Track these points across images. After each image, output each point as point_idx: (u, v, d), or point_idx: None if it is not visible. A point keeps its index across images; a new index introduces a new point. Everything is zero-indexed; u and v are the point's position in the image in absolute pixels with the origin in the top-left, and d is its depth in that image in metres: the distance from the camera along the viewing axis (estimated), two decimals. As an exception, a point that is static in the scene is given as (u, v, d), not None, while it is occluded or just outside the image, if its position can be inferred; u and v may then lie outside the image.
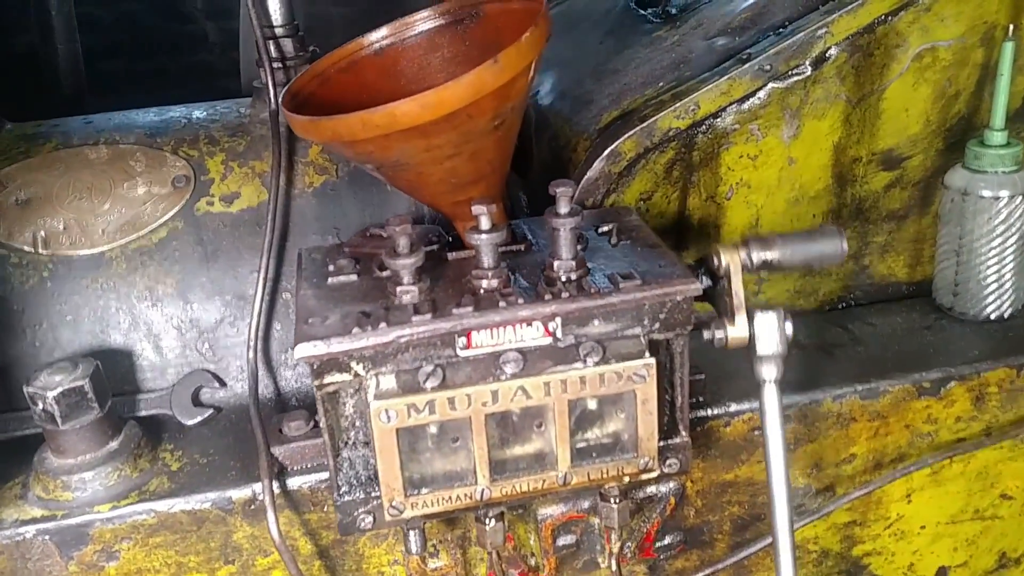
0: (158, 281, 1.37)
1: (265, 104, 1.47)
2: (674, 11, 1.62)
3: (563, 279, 1.03)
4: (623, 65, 1.51)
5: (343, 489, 1.09)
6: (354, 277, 1.12)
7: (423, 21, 1.17)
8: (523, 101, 1.05)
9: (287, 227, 1.40)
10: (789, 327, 1.08)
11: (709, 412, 1.31)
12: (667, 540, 1.37)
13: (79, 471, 1.21)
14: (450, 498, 1.06)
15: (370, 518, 1.10)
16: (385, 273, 1.11)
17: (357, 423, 1.08)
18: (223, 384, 1.37)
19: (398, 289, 1.04)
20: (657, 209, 1.38)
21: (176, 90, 1.62)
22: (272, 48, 1.46)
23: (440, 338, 1.01)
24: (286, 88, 1.13)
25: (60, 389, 1.18)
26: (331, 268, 1.14)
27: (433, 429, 1.03)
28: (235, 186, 1.42)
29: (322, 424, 1.06)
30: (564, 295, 1.01)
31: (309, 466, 1.23)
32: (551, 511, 1.30)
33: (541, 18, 0.99)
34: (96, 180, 1.41)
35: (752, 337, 1.07)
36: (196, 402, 1.35)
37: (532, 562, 1.34)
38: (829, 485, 1.42)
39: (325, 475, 1.23)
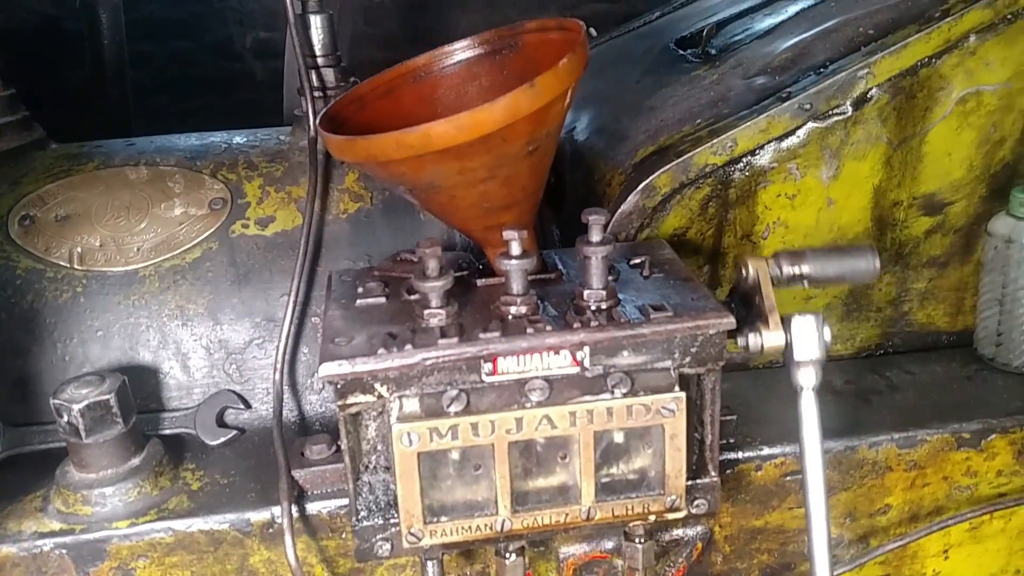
0: (189, 300, 1.38)
1: (305, 132, 1.49)
2: (713, 51, 1.62)
3: (593, 308, 1.02)
4: (660, 102, 1.51)
5: (362, 514, 1.07)
6: (382, 299, 1.12)
7: (462, 50, 1.18)
8: (558, 128, 1.05)
9: (320, 252, 1.41)
10: (827, 332, 1.05)
11: (740, 455, 1.27)
12: (693, 586, 1.33)
13: (100, 486, 1.20)
14: (470, 528, 1.03)
15: (388, 545, 1.07)
16: (413, 296, 1.11)
17: (378, 447, 1.07)
18: (248, 406, 1.37)
19: (425, 312, 1.03)
20: (691, 246, 1.37)
21: (221, 128, 1.66)
22: (314, 77, 1.49)
23: (466, 362, 1.00)
24: (323, 112, 1.14)
25: (85, 402, 1.18)
26: (360, 290, 1.13)
27: (455, 455, 1.01)
28: (271, 210, 1.43)
29: (343, 446, 1.05)
30: (593, 324, 0.99)
31: (329, 491, 1.21)
32: (573, 550, 1.27)
33: (579, 46, 1.00)
34: (134, 199, 1.43)
35: (789, 343, 1.04)
36: (220, 423, 1.35)
37: (552, 602, 1.30)
38: (863, 536, 1.37)
39: (345, 501, 1.21)
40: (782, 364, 1.10)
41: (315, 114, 1.45)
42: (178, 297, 1.38)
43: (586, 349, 0.99)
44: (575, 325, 0.99)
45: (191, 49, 4.62)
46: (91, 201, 1.42)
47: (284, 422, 1.31)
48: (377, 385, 1.00)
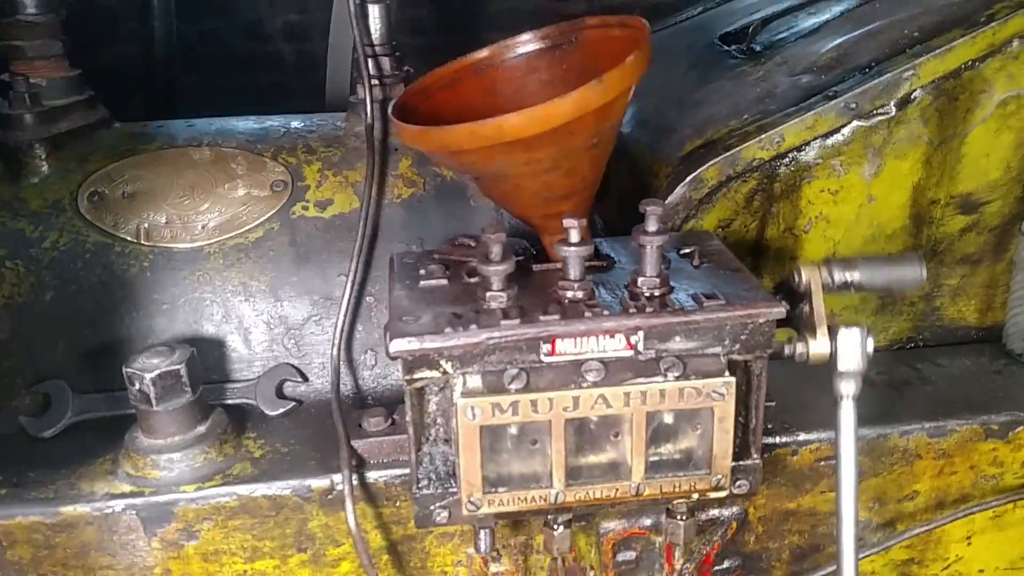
0: (252, 278, 1.44)
1: (360, 118, 1.54)
2: (758, 48, 1.66)
3: (647, 295, 1.07)
4: (706, 97, 1.56)
5: (422, 483, 1.14)
6: (444, 281, 1.17)
7: (524, 43, 1.23)
8: (619, 123, 1.10)
9: (376, 234, 1.46)
10: (871, 344, 1.10)
11: (777, 440, 1.32)
12: (726, 564, 1.39)
13: (168, 451, 1.27)
14: (525, 499, 1.09)
15: (446, 513, 1.14)
16: (474, 279, 1.16)
17: (439, 420, 1.13)
18: (305, 379, 1.43)
19: (488, 294, 1.09)
20: (735, 237, 1.42)
21: (250, 107, 1.71)
22: (372, 66, 1.54)
23: (526, 343, 1.05)
24: (394, 102, 1.19)
25: (157, 372, 1.25)
26: (422, 272, 1.19)
27: (514, 430, 1.07)
28: (329, 193, 1.49)
29: (407, 419, 1.11)
30: (648, 310, 1.05)
31: (385, 461, 1.28)
32: (613, 525, 1.33)
33: (645, 44, 1.04)
34: (199, 179, 1.49)
35: (833, 353, 1.10)
36: (279, 395, 1.41)
37: (590, 575, 1.36)
38: (890, 520, 1.42)
39: (401, 471, 1.27)
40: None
41: (373, 101, 1.50)
42: (241, 274, 1.44)
43: (641, 333, 1.05)
44: (631, 310, 1.05)
45: (221, 29, 4.67)
46: (157, 180, 1.49)
47: (340, 395, 1.37)
48: (443, 362, 1.06)
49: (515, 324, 1.05)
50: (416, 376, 1.07)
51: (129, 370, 1.25)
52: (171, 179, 1.49)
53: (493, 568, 1.35)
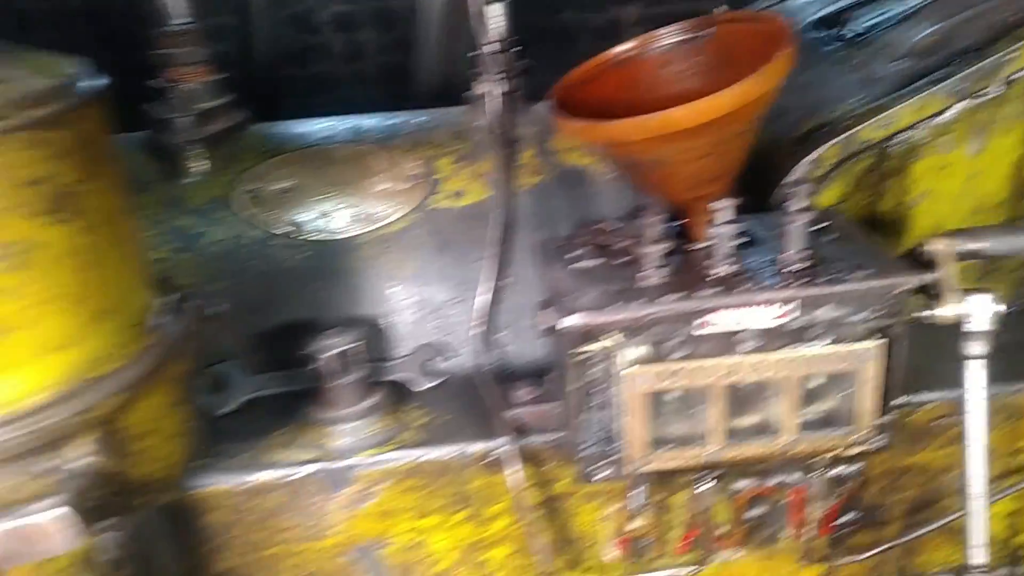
0: (398, 265, 1.56)
1: (480, 112, 1.66)
2: (852, 34, 1.75)
3: (796, 268, 1.18)
4: (810, 80, 1.65)
5: (584, 445, 1.26)
6: (594, 263, 1.29)
7: (665, 36, 1.33)
8: (767, 109, 1.20)
9: (509, 221, 1.58)
10: (1000, 308, 1.20)
11: (899, 400, 1.42)
12: (847, 518, 1.49)
13: (345, 422, 1.41)
14: (683, 457, 1.21)
15: (606, 472, 1.26)
16: (622, 260, 1.28)
17: (600, 388, 1.24)
18: (451, 356, 1.55)
19: (645, 273, 1.20)
20: (848, 213, 1.51)
21: (300, 98, 1.82)
22: (494, 62, 1.64)
23: (686, 316, 1.17)
24: (551, 100, 1.30)
25: (336, 350, 1.38)
26: (570, 256, 1.31)
27: (675, 395, 1.18)
28: (462, 184, 1.61)
29: (569, 388, 1.22)
30: (799, 282, 1.16)
31: (536, 428, 1.40)
32: (745, 484, 1.44)
33: (789, 38, 1.14)
34: (343, 175, 1.61)
35: (964, 316, 1.20)
36: (427, 371, 1.54)
37: (722, 531, 1.48)
38: (1001, 474, 1.52)
39: (550, 437, 1.39)
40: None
41: (496, 97, 1.61)
42: (388, 263, 1.56)
43: (793, 304, 1.15)
44: (783, 283, 1.16)
45: (271, 21, 4.77)
46: (305, 177, 1.61)
47: (485, 370, 1.50)
48: (607, 335, 1.18)
49: (674, 299, 1.16)
50: (581, 349, 1.19)
51: (311, 348, 1.38)
52: (318, 176, 1.61)
53: (632, 525, 1.47)
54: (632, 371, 1.16)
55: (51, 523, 0.79)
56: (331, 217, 1.58)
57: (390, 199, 1.59)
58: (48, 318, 0.80)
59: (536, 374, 1.48)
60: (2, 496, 0.81)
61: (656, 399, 1.18)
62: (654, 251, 1.19)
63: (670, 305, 1.16)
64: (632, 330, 1.17)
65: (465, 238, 1.58)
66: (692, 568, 1.49)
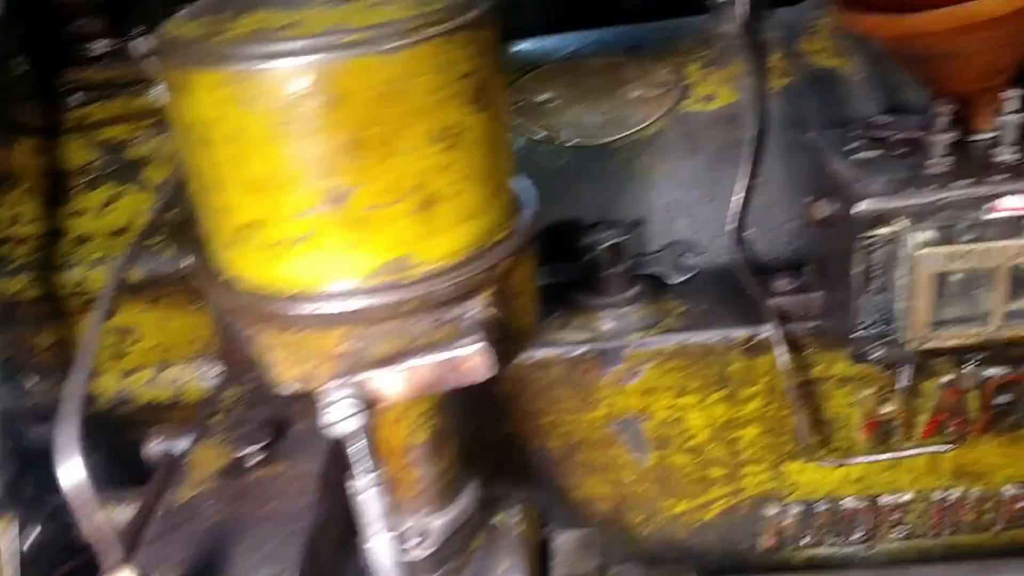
0: (652, 167, 1.67)
1: (719, 19, 1.73)
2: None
3: (1086, 155, 1.22)
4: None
5: (860, 328, 1.35)
6: (873, 154, 1.36)
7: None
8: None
9: (760, 123, 1.66)
10: None
11: None
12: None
13: (615, 307, 1.55)
14: (963, 336, 1.29)
15: (880, 352, 1.35)
16: (901, 151, 1.34)
17: (881, 271, 1.33)
18: (700, 252, 1.67)
19: (932, 161, 1.27)
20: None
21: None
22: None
23: (974, 201, 1.23)
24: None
25: (608, 243, 1.52)
26: (851, 148, 1.38)
27: (960, 276, 1.25)
28: (711, 89, 1.69)
29: (854, 271, 1.31)
30: (1093, 167, 1.20)
31: (796, 316, 1.50)
32: (996, 371, 1.51)
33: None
34: (598, 85, 1.73)
35: None
36: (681, 265, 1.66)
37: (969, 416, 1.55)
38: None
39: (809, 324, 1.49)
40: None
41: (743, 2, 1.67)
42: (643, 164, 1.68)
43: (1082, 187, 1.20)
44: (1071, 168, 1.20)
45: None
46: (562, 88, 1.73)
47: (738, 265, 1.60)
48: (896, 220, 1.25)
49: (966, 184, 1.22)
50: (870, 233, 1.27)
51: (585, 242, 1.53)
52: (574, 87, 1.73)
53: (882, 409, 1.57)
54: (921, 254, 1.23)
55: (474, 355, 0.95)
56: (588, 124, 1.70)
57: (643, 105, 1.70)
58: (466, 192, 0.95)
59: (788, 267, 1.57)
60: (423, 338, 0.99)
61: (942, 280, 1.26)
62: (942, 140, 1.25)
63: (961, 190, 1.22)
64: (920, 215, 1.24)
65: (715, 141, 1.67)
66: (935, 449, 1.57)
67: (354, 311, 0.95)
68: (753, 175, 1.63)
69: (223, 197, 0.93)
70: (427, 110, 0.89)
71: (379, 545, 0.99)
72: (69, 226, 1.69)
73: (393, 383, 0.97)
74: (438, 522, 1.23)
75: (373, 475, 0.97)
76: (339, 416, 0.93)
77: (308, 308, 0.95)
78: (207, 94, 0.86)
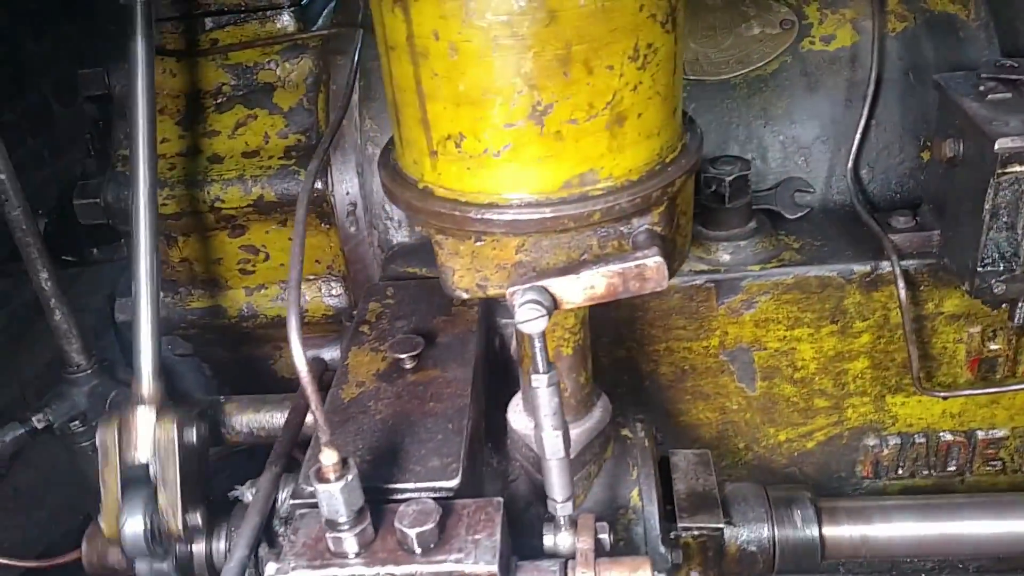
0: (770, 105, 1.71)
1: (842, -38, 1.74)
2: None
3: None
4: None
5: (986, 262, 1.40)
6: (1007, 95, 1.39)
7: None
8: None
9: (879, 64, 1.68)
10: None
11: None
12: None
13: (734, 240, 1.60)
14: (1090, 273, 1.33)
15: (1003, 286, 1.40)
16: (1035, 92, 1.37)
17: (1010, 208, 1.37)
18: (814, 190, 1.71)
19: (1071, 102, 1.30)
20: None
21: None
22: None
23: (1113, 140, 1.26)
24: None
25: (732, 176, 1.56)
26: (982, 88, 1.41)
27: (1094, 213, 1.29)
28: (831, 29, 1.72)
29: (987, 205, 1.35)
30: None
31: (913, 253, 1.55)
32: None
33: None
34: (718, 21, 1.75)
35: None
36: (797, 201, 1.70)
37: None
38: None
39: (924, 261, 1.54)
40: None
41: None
42: (761, 102, 1.71)
43: None
44: None
45: None
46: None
47: (857, 202, 1.64)
48: (1032, 158, 1.29)
49: (1107, 123, 1.26)
50: (1007, 170, 1.31)
51: (707, 175, 1.58)
52: (694, 22, 1.76)
53: (990, 345, 1.62)
54: (1056, 191, 1.28)
55: (654, 265, 1.02)
56: (710, 60, 1.73)
57: (763, 43, 1.73)
58: (650, 110, 1.00)
59: (902, 207, 1.62)
60: (595, 249, 1.05)
61: (1075, 216, 1.30)
62: (1085, 81, 1.28)
63: (1098, 130, 1.26)
64: (1057, 153, 1.28)
65: (834, 79, 1.70)
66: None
67: (539, 220, 1.02)
68: (870, 116, 1.66)
69: (431, 108, 0.98)
70: (629, 29, 0.95)
71: (551, 439, 1.07)
72: (203, 145, 1.77)
73: (573, 290, 1.04)
74: (577, 430, 1.31)
75: (551, 373, 1.04)
76: (529, 316, 1.00)
77: (499, 216, 1.01)
78: (432, 7, 0.92)
